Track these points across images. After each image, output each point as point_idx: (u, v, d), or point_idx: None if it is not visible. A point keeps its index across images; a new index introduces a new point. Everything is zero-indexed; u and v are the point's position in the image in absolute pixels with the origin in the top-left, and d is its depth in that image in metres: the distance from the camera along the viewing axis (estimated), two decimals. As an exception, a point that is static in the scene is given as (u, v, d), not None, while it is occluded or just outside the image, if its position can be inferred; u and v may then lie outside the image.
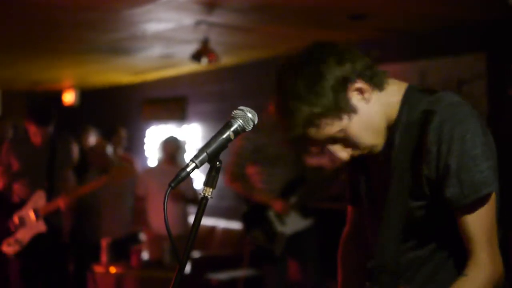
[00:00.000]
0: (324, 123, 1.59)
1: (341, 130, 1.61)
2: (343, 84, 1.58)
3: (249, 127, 1.56)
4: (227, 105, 7.64)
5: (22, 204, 4.72)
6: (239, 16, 5.13)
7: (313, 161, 5.95)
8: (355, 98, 1.60)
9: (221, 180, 1.63)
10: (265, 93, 7.63)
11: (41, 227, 4.66)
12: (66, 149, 4.99)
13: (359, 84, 1.60)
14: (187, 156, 7.81)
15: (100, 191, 5.59)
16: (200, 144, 7.92)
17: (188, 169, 1.50)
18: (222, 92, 7.92)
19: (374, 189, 1.77)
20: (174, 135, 6.35)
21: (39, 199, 4.70)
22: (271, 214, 4.53)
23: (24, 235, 4.63)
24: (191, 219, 5.50)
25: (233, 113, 1.57)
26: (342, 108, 1.58)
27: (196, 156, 1.51)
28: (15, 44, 6.50)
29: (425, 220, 1.65)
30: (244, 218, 4.70)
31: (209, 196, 1.53)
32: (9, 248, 4.62)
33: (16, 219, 4.66)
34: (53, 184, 4.78)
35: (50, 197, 4.72)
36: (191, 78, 8.47)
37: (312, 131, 1.60)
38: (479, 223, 1.56)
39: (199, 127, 8.34)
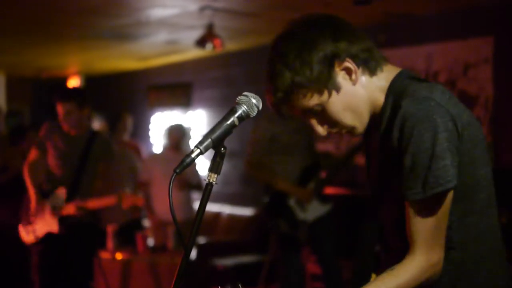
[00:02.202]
0: (303, 94, 1.58)
1: (319, 105, 1.61)
2: (331, 60, 1.58)
3: (254, 112, 1.56)
4: (232, 91, 7.63)
5: (44, 193, 4.45)
6: (243, 1, 5.11)
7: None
8: (341, 77, 1.60)
9: (226, 166, 1.63)
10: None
11: (54, 226, 4.43)
12: (104, 141, 4.71)
13: (348, 64, 1.59)
14: (192, 143, 7.81)
15: (100, 179, 5.59)
16: (205, 130, 7.92)
17: (193, 155, 1.50)
18: (227, 78, 7.91)
19: (371, 174, 1.78)
20: (179, 122, 6.35)
21: (58, 196, 4.44)
22: (292, 202, 4.60)
23: (40, 228, 4.45)
24: (196, 205, 5.50)
25: (237, 99, 1.57)
26: (324, 83, 1.58)
27: (200, 142, 1.51)
28: (20, 30, 6.49)
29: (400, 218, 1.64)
30: (266, 208, 4.75)
31: (214, 182, 1.53)
32: (27, 237, 4.48)
33: (34, 208, 4.40)
34: (78, 181, 4.53)
35: (72, 193, 4.47)
36: (196, 64, 8.46)
37: (293, 99, 1.60)
38: (423, 222, 1.55)
39: (204, 113, 8.34)
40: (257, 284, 5.61)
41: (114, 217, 5.63)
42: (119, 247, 5.30)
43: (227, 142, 1.55)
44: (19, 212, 4.64)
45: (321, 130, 1.67)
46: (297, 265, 4.72)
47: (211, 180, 1.53)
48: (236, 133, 1.59)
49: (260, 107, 1.57)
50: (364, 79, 1.63)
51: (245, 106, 1.55)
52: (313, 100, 1.59)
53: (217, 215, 7.36)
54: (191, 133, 8.03)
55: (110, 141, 4.92)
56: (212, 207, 7.24)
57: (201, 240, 6.63)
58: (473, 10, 5.21)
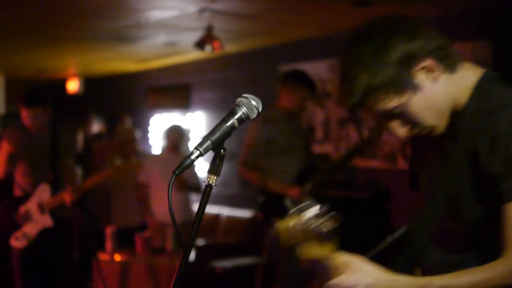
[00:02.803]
0: (382, 96, 1.54)
1: (399, 107, 1.56)
2: (410, 60, 1.54)
3: (253, 114, 1.55)
4: (231, 92, 7.63)
5: (26, 196, 4.58)
6: (243, 4, 5.11)
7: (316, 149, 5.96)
8: (421, 76, 1.56)
9: (225, 167, 1.63)
10: (269, 80, 7.66)
11: (48, 221, 4.54)
12: (70, 136, 4.86)
13: (428, 62, 1.56)
14: (191, 144, 7.82)
15: (110, 180, 5.63)
16: (204, 132, 7.92)
17: (192, 157, 1.49)
18: (226, 80, 7.91)
19: (427, 170, 1.75)
20: (178, 123, 6.35)
21: (43, 192, 4.58)
22: (288, 202, 4.56)
23: (31, 229, 4.53)
24: (195, 207, 5.52)
25: (237, 100, 1.55)
26: (404, 84, 1.54)
27: (200, 144, 1.51)
28: (19, 32, 6.49)
29: (467, 220, 1.62)
30: (261, 207, 4.72)
31: (213, 184, 1.53)
32: (17, 243, 4.52)
33: (21, 212, 4.54)
34: (58, 175, 4.65)
35: (55, 188, 4.60)
36: (195, 66, 8.46)
37: (369, 103, 1.56)
38: None
39: (203, 115, 8.34)
40: (255, 286, 5.61)
41: (120, 218, 5.67)
42: (117, 248, 5.31)
43: (226, 144, 1.55)
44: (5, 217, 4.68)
45: (401, 132, 1.62)
46: (293, 266, 4.69)
47: (210, 182, 1.52)
48: (235, 135, 1.59)
49: (260, 109, 1.56)
50: (444, 76, 1.60)
51: (245, 108, 1.53)
52: (392, 103, 1.56)
53: (216, 217, 7.36)
54: (190, 135, 8.03)
55: (72, 135, 5.00)
56: (211, 209, 7.24)
57: (200, 241, 6.63)
58: (471, 13, 5.22)
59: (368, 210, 5.52)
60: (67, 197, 4.50)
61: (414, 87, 1.55)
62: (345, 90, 1.57)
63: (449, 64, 1.60)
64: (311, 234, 1.58)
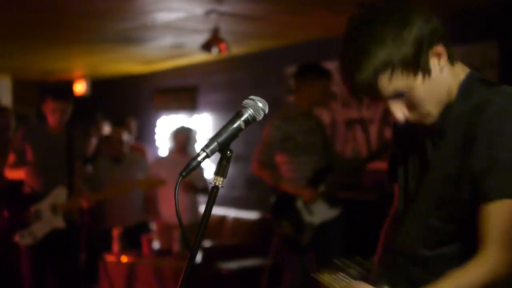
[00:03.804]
0: (395, 74, 1.51)
1: (409, 88, 1.54)
2: (428, 42, 1.52)
3: (260, 116, 1.55)
4: (237, 94, 7.64)
5: (36, 196, 4.58)
6: (249, 5, 5.11)
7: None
8: (432, 61, 1.55)
9: (232, 169, 1.63)
10: (276, 82, 7.65)
11: (60, 223, 4.55)
12: (82, 140, 4.88)
13: (440, 49, 1.56)
14: (198, 146, 7.82)
15: (111, 180, 5.62)
16: (210, 134, 7.93)
17: (199, 159, 1.49)
18: (233, 81, 7.92)
19: (412, 169, 1.74)
20: (186, 125, 6.36)
21: (60, 195, 4.56)
22: (299, 204, 4.51)
23: (39, 229, 4.52)
24: (202, 208, 5.53)
25: (243, 102, 1.55)
26: (421, 65, 1.52)
27: (207, 146, 1.51)
28: (26, 34, 6.51)
29: (457, 215, 1.61)
30: (272, 208, 4.68)
31: (219, 185, 1.53)
32: (22, 241, 4.51)
33: (31, 211, 4.51)
34: (72, 179, 4.65)
35: (70, 192, 4.60)
36: (202, 67, 8.47)
37: (381, 80, 1.52)
38: (503, 221, 1.52)
39: (210, 116, 8.35)
40: (261, 287, 5.60)
41: (121, 218, 5.66)
42: (124, 250, 5.31)
43: (233, 145, 1.55)
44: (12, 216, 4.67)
45: (400, 115, 1.60)
46: (301, 269, 4.66)
47: (217, 184, 1.52)
48: (242, 136, 1.59)
49: (267, 111, 1.56)
50: (446, 67, 1.59)
51: (252, 110, 1.53)
52: (404, 82, 1.53)
53: (222, 219, 7.36)
54: (197, 137, 8.04)
55: (84, 139, 5.02)
56: (217, 211, 7.24)
57: (207, 243, 6.64)
58: (478, 14, 5.21)
59: (375, 212, 5.51)
60: (84, 202, 4.52)
61: (427, 71, 1.54)
62: (357, 67, 1.51)
63: (452, 55, 1.60)
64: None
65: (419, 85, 1.54)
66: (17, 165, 4.65)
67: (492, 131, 1.51)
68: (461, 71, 1.64)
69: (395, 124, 1.82)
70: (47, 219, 4.54)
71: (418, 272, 1.68)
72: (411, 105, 1.58)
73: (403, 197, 1.76)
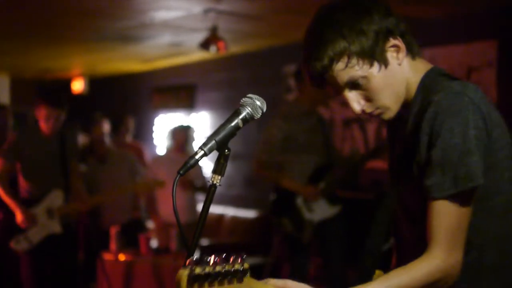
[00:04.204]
0: (353, 63, 1.55)
1: (365, 77, 1.57)
2: (386, 34, 1.57)
3: (258, 115, 1.55)
4: (236, 93, 7.64)
5: (32, 200, 4.49)
6: (247, 4, 5.11)
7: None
8: (390, 54, 1.59)
9: (229, 168, 1.62)
10: (274, 81, 7.65)
11: (56, 228, 4.48)
12: (75, 138, 4.80)
13: (398, 42, 1.59)
14: (196, 144, 7.82)
15: (100, 179, 5.61)
16: (208, 132, 7.93)
17: (197, 157, 1.49)
18: (231, 80, 7.92)
19: (391, 165, 1.77)
20: (185, 123, 6.35)
21: (56, 198, 4.49)
22: (299, 202, 4.51)
23: (35, 234, 4.44)
24: (200, 207, 5.52)
25: (241, 101, 1.55)
26: (377, 55, 1.56)
27: (204, 144, 1.51)
28: (24, 33, 6.51)
29: (417, 210, 1.62)
30: (272, 206, 4.68)
31: (217, 184, 1.53)
32: (17, 246, 4.44)
33: (27, 216, 4.40)
34: (68, 181, 4.57)
35: (66, 194, 4.54)
36: (200, 66, 8.47)
37: (337, 68, 1.56)
38: (446, 219, 1.52)
39: (208, 115, 8.35)
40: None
41: (114, 217, 5.65)
42: (122, 248, 5.31)
43: (231, 144, 1.55)
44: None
45: (356, 105, 1.62)
46: (302, 267, 4.66)
47: (214, 182, 1.52)
48: (240, 135, 1.59)
49: (265, 110, 1.56)
50: (406, 61, 1.62)
51: (250, 108, 1.53)
52: (361, 71, 1.56)
53: (220, 217, 7.36)
54: (195, 135, 8.04)
55: (76, 136, 4.94)
56: (215, 209, 7.24)
57: (204, 242, 6.64)
58: (477, 14, 5.21)
59: (373, 211, 5.51)
60: (81, 207, 4.47)
61: (384, 62, 1.57)
62: (316, 54, 1.56)
63: (412, 50, 1.62)
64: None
65: (374, 75, 1.57)
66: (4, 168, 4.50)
67: (430, 132, 1.52)
68: (422, 67, 1.65)
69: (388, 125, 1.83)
70: (43, 223, 4.46)
71: None
72: (368, 97, 1.60)
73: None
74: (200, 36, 5.74)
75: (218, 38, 5.58)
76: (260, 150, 4.56)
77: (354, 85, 1.59)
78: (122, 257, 5.22)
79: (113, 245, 5.27)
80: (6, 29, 6.34)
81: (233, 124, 1.52)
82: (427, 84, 1.61)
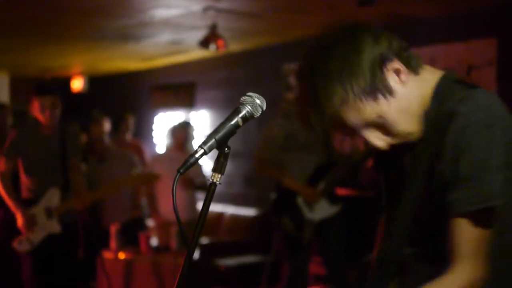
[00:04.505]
0: (359, 107, 1.48)
1: (378, 115, 1.50)
2: (381, 62, 1.48)
3: (258, 113, 1.54)
4: (235, 91, 7.64)
5: (32, 200, 4.46)
6: (247, 2, 5.11)
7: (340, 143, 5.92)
8: (392, 80, 1.51)
9: (229, 166, 1.62)
10: (274, 79, 7.64)
11: (55, 227, 4.44)
12: (76, 137, 4.75)
13: (396, 64, 1.51)
14: (196, 143, 7.82)
15: (99, 178, 5.62)
16: (208, 130, 7.93)
17: (197, 155, 1.49)
18: (231, 78, 7.92)
19: (393, 178, 1.72)
20: (185, 121, 6.35)
21: (52, 197, 4.46)
22: (300, 201, 4.52)
23: (35, 234, 4.41)
24: (200, 205, 5.53)
25: (241, 99, 1.55)
26: (379, 89, 1.48)
27: (204, 142, 1.50)
28: (24, 31, 6.50)
29: (431, 228, 1.60)
30: (273, 205, 4.69)
31: (217, 182, 1.52)
32: (19, 247, 4.41)
33: (27, 219, 4.36)
34: (67, 179, 4.53)
35: (65, 192, 4.50)
36: (200, 64, 8.47)
37: (346, 114, 1.50)
38: (471, 234, 1.51)
39: (208, 113, 8.35)
40: (260, 284, 5.61)
41: (114, 216, 5.65)
42: (122, 246, 5.31)
43: (230, 142, 1.55)
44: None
45: (380, 143, 1.56)
46: (302, 266, 4.66)
47: (214, 180, 1.52)
48: (239, 133, 1.59)
49: (264, 108, 1.55)
50: (411, 79, 1.54)
51: (249, 107, 1.52)
52: (372, 111, 1.50)
53: (220, 216, 7.36)
54: (195, 133, 8.04)
55: (78, 134, 4.93)
56: (215, 207, 7.24)
57: (204, 240, 6.64)
58: (476, 12, 5.21)
59: (373, 209, 5.51)
60: (78, 204, 4.45)
61: (390, 92, 1.50)
62: (318, 109, 1.50)
63: (412, 66, 1.55)
64: None
65: (385, 108, 1.50)
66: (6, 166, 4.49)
67: (457, 145, 1.48)
68: (431, 77, 1.59)
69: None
70: (42, 224, 4.43)
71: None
72: (386, 129, 1.54)
73: (388, 203, 1.76)
74: (200, 34, 5.74)
75: (218, 36, 5.58)
76: (261, 148, 4.56)
77: (369, 126, 1.53)
78: (122, 255, 5.23)
79: (113, 244, 5.28)
80: (5, 27, 6.34)
81: (233, 122, 1.51)
82: (441, 93, 1.56)
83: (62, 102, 4.51)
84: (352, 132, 1.55)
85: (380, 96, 1.49)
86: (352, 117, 1.50)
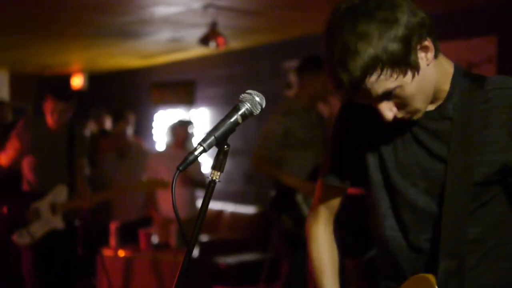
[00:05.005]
0: (386, 74, 1.46)
1: (400, 86, 1.49)
2: (417, 36, 1.47)
3: (257, 111, 1.54)
4: (235, 89, 7.63)
5: (36, 193, 4.44)
6: (247, 0, 5.11)
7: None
8: (420, 56, 1.50)
9: (229, 164, 1.62)
10: (274, 77, 7.63)
11: (59, 223, 4.41)
12: (83, 139, 4.72)
13: (428, 43, 1.50)
14: (195, 140, 7.81)
15: (117, 173, 5.64)
16: (208, 128, 7.93)
17: (196, 153, 1.49)
18: (231, 76, 7.91)
19: (401, 165, 1.66)
20: (185, 119, 6.35)
21: (60, 193, 4.43)
22: (299, 198, 4.51)
23: (37, 229, 4.38)
24: (199, 203, 5.51)
25: (241, 96, 1.55)
26: (410, 62, 1.47)
27: (204, 140, 1.50)
28: (24, 27, 6.50)
29: (490, 206, 1.61)
30: (272, 202, 4.69)
31: (217, 180, 1.52)
32: (20, 240, 4.38)
33: (31, 210, 4.36)
34: (74, 178, 4.51)
35: (70, 191, 4.48)
36: (200, 62, 8.46)
37: (371, 81, 1.46)
38: None
39: (207, 111, 8.35)
40: (259, 282, 5.61)
41: (123, 213, 5.67)
42: (121, 244, 5.32)
43: (230, 140, 1.55)
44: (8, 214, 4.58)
45: (388, 113, 1.54)
46: (301, 263, 4.66)
47: (214, 178, 1.52)
48: (239, 131, 1.59)
49: (264, 105, 1.55)
50: (433, 61, 1.54)
51: (249, 104, 1.52)
52: (396, 81, 1.47)
53: (219, 213, 7.36)
54: (195, 131, 8.04)
55: (86, 136, 4.93)
56: (214, 205, 7.25)
57: (204, 238, 6.64)
58: (476, 10, 5.20)
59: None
60: (85, 203, 4.44)
61: (417, 67, 1.48)
62: (345, 66, 1.45)
63: (437, 48, 1.55)
64: None
65: (408, 83, 1.49)
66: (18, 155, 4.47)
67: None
68: (447, 64, 1.62)
69: (343, 115, 1.76)
70: (46, 218, 4.42)
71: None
72: (400, 103, 1.53)
73: (387, 192, 1.71)
74: (200, 32, 5.74)
75: (218, 34, 5.58)
76: (260, 145, 4.56)
77: (386, 96, 1.51)
78: (121, 253, 5.23)
79: (112, 241, 5.28)
80: (5, 24, 6.33)
81: (232, 120, 1.51)
82: (461, 79, 1.60)
83: (75, 105, 4.47)
84: (367, 100, 1.53)
85: (408, 70, 1.48)
86: (375, 83, 1.47)
